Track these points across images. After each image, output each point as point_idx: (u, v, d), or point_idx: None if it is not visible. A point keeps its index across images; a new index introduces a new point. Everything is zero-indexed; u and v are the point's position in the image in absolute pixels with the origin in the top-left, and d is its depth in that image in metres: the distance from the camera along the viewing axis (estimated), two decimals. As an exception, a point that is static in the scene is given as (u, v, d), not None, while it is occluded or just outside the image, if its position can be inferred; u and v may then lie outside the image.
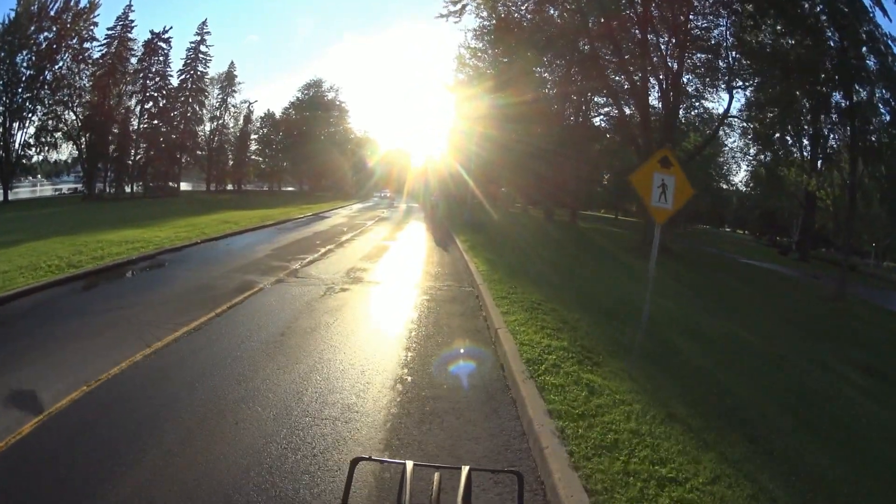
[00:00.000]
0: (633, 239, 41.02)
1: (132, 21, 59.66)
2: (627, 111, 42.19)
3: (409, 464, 1.87)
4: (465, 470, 1.81)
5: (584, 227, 50.36)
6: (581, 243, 32.40)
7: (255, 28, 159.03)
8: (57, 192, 64.40)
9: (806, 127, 37.91)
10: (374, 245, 22.85)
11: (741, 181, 72.96)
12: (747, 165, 62.65)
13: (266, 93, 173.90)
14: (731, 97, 34.79)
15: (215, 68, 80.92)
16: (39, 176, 70.24)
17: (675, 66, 33.72)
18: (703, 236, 66.14)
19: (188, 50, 67.73)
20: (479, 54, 47.93)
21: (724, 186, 73.04)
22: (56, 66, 54.03)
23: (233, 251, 19.64)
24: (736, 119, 38.43)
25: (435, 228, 32.82)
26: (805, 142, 42.97)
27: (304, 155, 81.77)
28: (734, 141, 54.36)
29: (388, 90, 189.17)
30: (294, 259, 18.07)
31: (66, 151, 60.12)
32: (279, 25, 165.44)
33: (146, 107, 62.43)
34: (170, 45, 63.09)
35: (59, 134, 55.88)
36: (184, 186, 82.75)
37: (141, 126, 62.46)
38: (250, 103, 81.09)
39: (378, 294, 13.94)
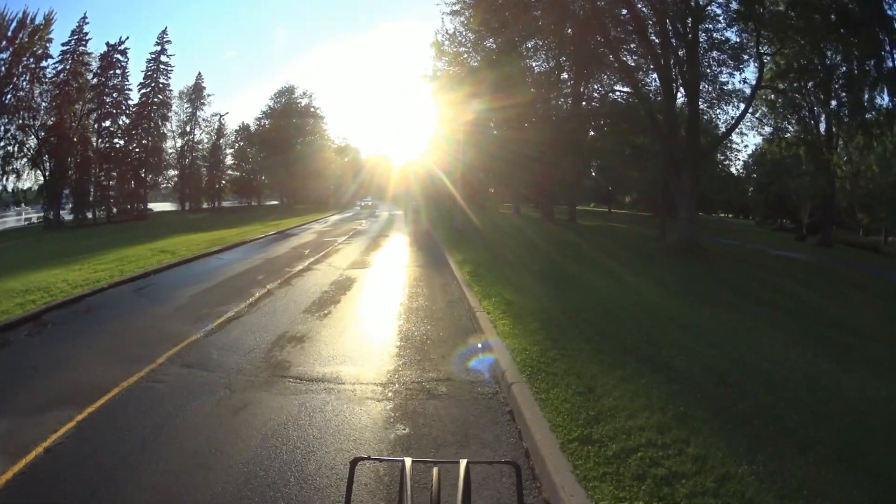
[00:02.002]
0: (651, 237, 35.69)
1: (87, 34, 53.41)
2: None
3: (408, 461, 1.83)
4: (462, 464, 1.78)
5: (587, 226, 43.63)
6: (607, 251, 25.37)
7: (228, 40, 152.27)
8: (26, 222, 57.31)
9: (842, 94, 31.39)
10: (334, 279, 15.61)
11: (741, 164, 66.21)
12: (755, 146, 57.18)
13: (240, 105, 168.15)
14: (763, 64, 27.92)
15: (185, 81, 73.55)
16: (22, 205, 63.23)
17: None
18: (710, 226, 59.42)
19: (148, 61, 61.33)
20: (458, 37, 41.36)
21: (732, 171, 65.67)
22: (14, 89, 48.41)
23: (134, 303, 13.06)
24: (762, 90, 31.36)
25: (420, 242, 25.96)
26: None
27: (281, 167, 74.74)
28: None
29: (368, 96, 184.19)
30: (208, 316, 11.17)
31: (31, 178, 53.55)
32: (253, 37, 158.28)
33: (105, 125, 55.57)
34: (127, 58, 56.70)
35: (23, 160, 50.32)
36: (160, 207, 76.59)
37: (100, 146, 55.36)
38: (221, 116, 74.37)
39: (310, 418, 6.45)
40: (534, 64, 42.07)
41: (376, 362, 8.19)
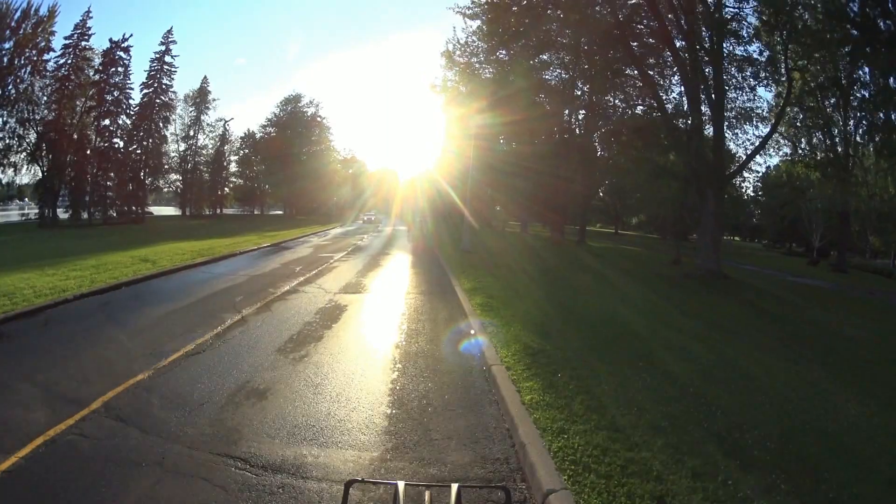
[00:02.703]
0: (665, 261, 34.32)
1: (90, 28, 50.98)
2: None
3: (401, 484, 1.82)
4: (454, 487, 1.78)
5: (598, 248, 41.42)
6: (629, 278, 22.97)
7: (237, 48, 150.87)
8: (24, 218, 55.15)
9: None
10: (321, 306, 13.19)
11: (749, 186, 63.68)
12: (766, 167, 55.30)
13: (246, 113, 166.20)
14: (791, 80, 25.87)
15: (191, 86, 71.44)
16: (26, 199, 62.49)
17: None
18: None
19: (152, 61, 58.91)
20: (470, 47, 39.45)
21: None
22: (16, 81, 46.26)
23: (94, 321, 11.15)
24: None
25: (424, 263, 23.70)
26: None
27: (285, 176, 72.68)
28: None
29: (375, 109, 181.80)
30: (164, 348, 9.14)
31: (30, 174, 51.41)
32: (262, 46, 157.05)
33: (104, 123, 53.24)
34: (129, 56, 54.07)
35: (21, 154, 48.10)
36: (163, 211, 74.76)
37: (99, 145, 53.14)
38: (226, 121, 72.12)
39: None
40: (546, 76, 40.21)
41: (356, 442, 5.83)
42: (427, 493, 1.87)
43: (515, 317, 11.47)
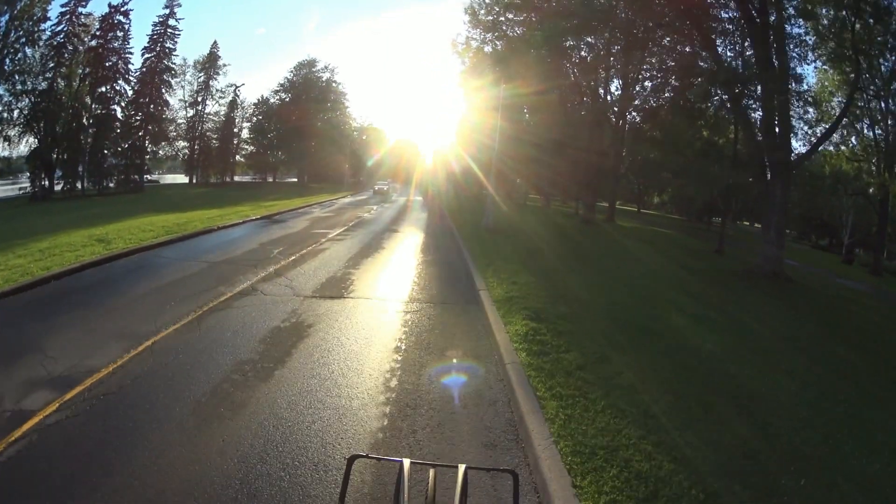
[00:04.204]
0: (702, 250, 30.22)
1: (89, -9, 46.10)
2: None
3: (406, 462, 1.71)
4: (461, 468, 1.70)
5: (631, 230, 36.32)
6: (685, 272, 18.10)
7: (255, 18, 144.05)
8: (21, 192, 50.57)
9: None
10: (268, 330, 8.09)
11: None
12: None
13: (262, 82, 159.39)
14: (858, 65, 21.60)
15: (203, 54, 65.86)
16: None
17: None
18: (747, 237, 51.58)
19: (155, 25, 54.50)
20: (496, 5, 34.00)
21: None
22: (13, 53, 42.71)
23: None
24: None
25: (438, 246, 18.47)
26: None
27: (298, 143, 67.54)
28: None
29: (396, 80, 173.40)
30: None
31: (26, 145, 46.82)
32: (280, 15, 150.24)
33: (101, 90, 48.40)
34: (129, 20, 49.41)
35: (17, 128, 44.25)
36: (172, 179, 70.35)
37: (97, 112, 48.56)
38: (237, 87, 66.77)
39: None
40: (582, 42, 34.81)
41: None
42: (432, 472, 1.71)
43: (596, 375, 6.53)
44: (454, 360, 7.06)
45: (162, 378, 6.16)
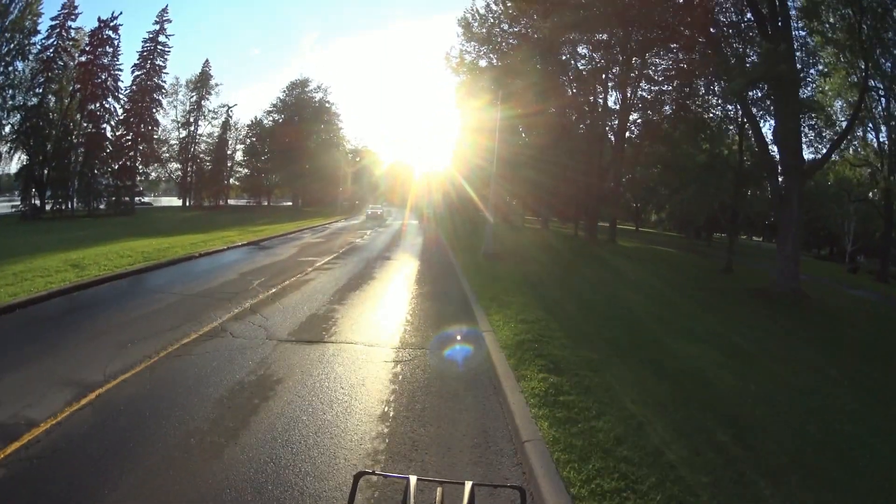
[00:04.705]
0: (706, 267, 30.10)
1: (77, 7, 45.45)
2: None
3: (413, 478, 1.66)
4: (468, 485, 1.61)
5: (635, 250, 35.01)
6: (714, 301, 16.79)
7: (247, 37, 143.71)
8: (13, 209, 49.07)
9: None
10: (227, 391, 6.39)
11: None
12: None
13: (254, 103, 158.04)
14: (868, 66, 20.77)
15: (194, 73, 64.73)
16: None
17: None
18: (748, 251, 50.23)
19: (145, 41, 53.16)
20: (490, 17, 33.08)
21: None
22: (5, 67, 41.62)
23: None
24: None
25: (434, 277, 16.81)
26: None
27: (292, 166, 66.19)
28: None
29: (390, 103, 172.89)
30: None
31: (16, 162, 45.95)
32: (273, 37, 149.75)
33: (92, 107, 47.09)
34: (119, 36, 48.21)
35: (6, 144, 43.26)
36: (163, 202, 69.26)
37: (87, 129, 47.35)
38: (229, 107, 65.52)
39: None
40: (575, 58, 33.79)
41: None
42: (439, 490, 1.66)
43: (641, 451, 5.05)
44: (456, 436, 5.46)
45: (96, 446, 4.92)
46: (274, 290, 12.65)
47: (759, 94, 22.12)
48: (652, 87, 34.02)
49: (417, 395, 6.46)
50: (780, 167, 20.51)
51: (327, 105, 74.25)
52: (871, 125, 32.27)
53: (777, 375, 8.49)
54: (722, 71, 21.66)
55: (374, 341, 8.78)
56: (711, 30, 23.56)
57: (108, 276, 13.55)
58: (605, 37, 31.48)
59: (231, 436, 5.20)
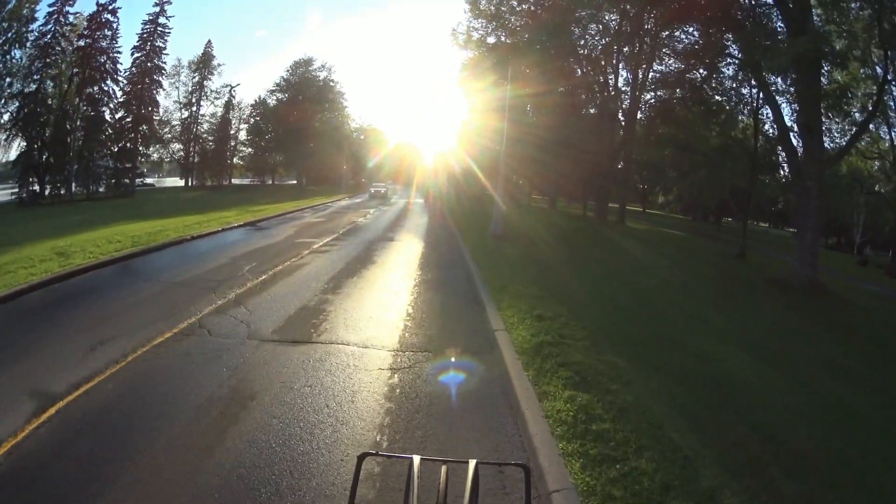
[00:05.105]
0: (717, 251, 29.74)
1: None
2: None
3: (416, 458, 1.61)
4: (472, 464, 1.57)
5: (642, 232, 34.00)
6: (734, 291, 16.05)
7: (251, 18, 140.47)
8: (13, 196, 48.22)
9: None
10: (192, 415, 5.47)
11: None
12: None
13: (259, 83, 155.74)
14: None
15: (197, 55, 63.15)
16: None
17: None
18: (756, 235, 48.97)
19: (145, 23, 52.03)
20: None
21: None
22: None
23: None
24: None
25: (438, 258, 15.75)
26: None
27: (297, 145, 64.83)
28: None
29: (395, 80, 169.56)
30: None
31: (15, 149, 44.89)
32: (278, 16, 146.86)
33: (91, 90, 45.93)
34: (118, 18, 46.96)
35: (5, 131, 42.68)
36: (167, 182, 68.38)
37: (85, 113, 46.18)
38: (232, 87, 64.07)
39: None
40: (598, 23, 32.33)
41: None
42: (444, 468, 1.57)
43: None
44: (463, 480, 4.32)
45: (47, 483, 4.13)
46: (264, 277, 11.55)
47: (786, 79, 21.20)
48: (665, 68, 32.62)
49: (417, 417, 5.31)
50: (800, 155, 19.82)
51: (332, 84, 72.51)
52: (881, 119, 31.05)
53: (831, 392, 7.42)
54: (753, 48, 20.23)
55: (368, 342, 7.61)
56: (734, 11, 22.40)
57: (93, 265, 12.64)
58: (616, 17, 30.32)
59: (189, 476, 4.13)
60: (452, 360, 7.04)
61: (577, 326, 8.07)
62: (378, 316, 9.05)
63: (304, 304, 9.50)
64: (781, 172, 28.68)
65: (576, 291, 11.34)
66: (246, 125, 68.71)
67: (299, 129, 64.44)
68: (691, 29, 27.71)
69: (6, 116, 42.07)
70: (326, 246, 16.93)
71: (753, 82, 25.38)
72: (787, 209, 71.97)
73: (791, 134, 21.16)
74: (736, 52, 24.04)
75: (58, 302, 9.57)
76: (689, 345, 8.38)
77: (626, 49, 32.20)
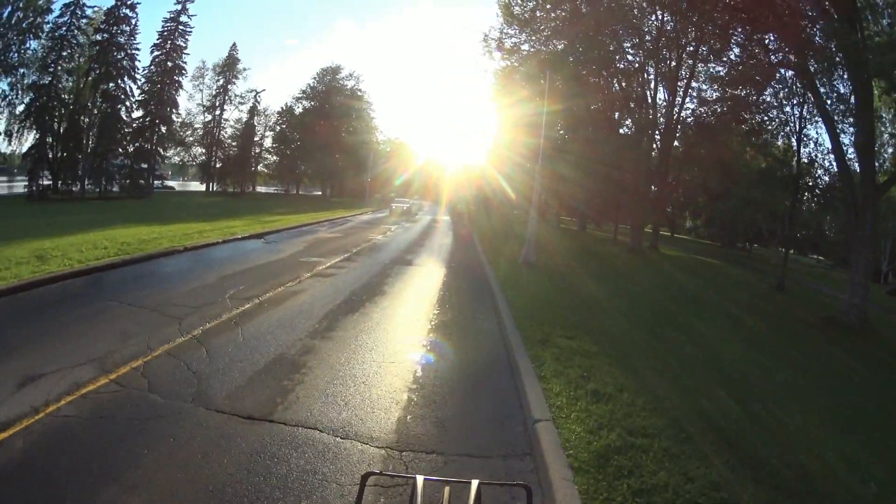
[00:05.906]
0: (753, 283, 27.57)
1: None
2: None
3: (420, 478, 1.63)
4: (474, 484, 1.59)
5: (678, 259, 32.05)
6: (789, 329, 13.96)
7: (279, 26, 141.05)
8: (25, 189, 47.40)
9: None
10: None
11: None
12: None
13: (283, 87, 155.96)
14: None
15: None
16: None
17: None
18: (791, 265, 46.17)
19: (165, 21, 51.44)
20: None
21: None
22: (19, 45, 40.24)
23: None
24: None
25: (461, 291, 13.36)
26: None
27: (322, 156, 63.43)
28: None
29: (425, 95, 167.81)
30: None
31: (29, 142, 43.82)
32: (310, 27, 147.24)
33: (104, 87, 45.00)
34: (136, 14, 45.96)
35: (17, 124, 41.70)
36: (188, 187, 67.98)
37: (99, 111, 45.28)
38: (257, 92, 63.14)
39: None
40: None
41: None
42: (446, 489, 1.60)
43: None
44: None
45: None
46: (247, 307, 9.46)
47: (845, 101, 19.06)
48: (705, 88, 30.57)
49: None
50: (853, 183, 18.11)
51: (359, 93, 71.11)
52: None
53: None
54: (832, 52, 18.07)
55: (351, 427, 5.19)
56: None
57: (66, 273, 11.26)
58: (653, 32, 28.49)
59: None
60: (476, 472, 4.41)
61: (647, 413, 5.67)
62: (373, 380, 6.57)
63: (282, 352, 7.24)
64: (835, 203, 26.82)
65: (634, 345, 8.97)
66: (272, 132, 67.95)
67: (325, 139, 63.20)
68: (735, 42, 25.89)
69: (20, 108, 41.36)
70: (333, 268, 14.79)
71: (795, 100, 24.10)
72: (813, 236, 69.03)
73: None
74: (794, 59, 21.83)
75: (9, 318, 8.19)
76: (798, 439, 6.07)
77: (661, 67, 30.14)
